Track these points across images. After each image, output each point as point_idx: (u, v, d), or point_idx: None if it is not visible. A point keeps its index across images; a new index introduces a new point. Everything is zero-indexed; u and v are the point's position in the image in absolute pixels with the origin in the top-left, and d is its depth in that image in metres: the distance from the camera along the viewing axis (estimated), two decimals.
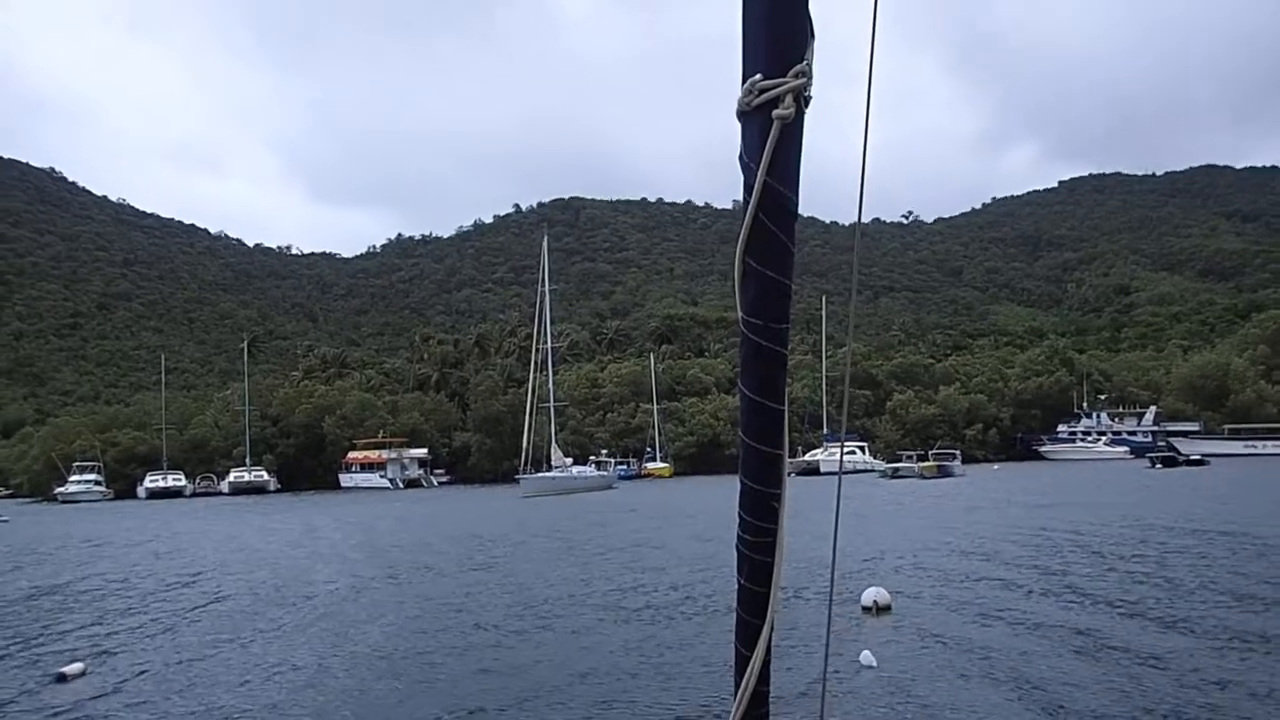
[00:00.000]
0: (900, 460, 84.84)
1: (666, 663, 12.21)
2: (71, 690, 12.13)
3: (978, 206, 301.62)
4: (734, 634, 2.14)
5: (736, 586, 2.11)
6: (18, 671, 13.44)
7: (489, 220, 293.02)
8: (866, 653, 11.63)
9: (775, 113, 1.91)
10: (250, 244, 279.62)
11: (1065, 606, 15.15)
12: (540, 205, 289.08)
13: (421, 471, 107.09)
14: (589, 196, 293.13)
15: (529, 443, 72.73)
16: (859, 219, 2.44)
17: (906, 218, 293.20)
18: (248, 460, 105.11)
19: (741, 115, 1.97)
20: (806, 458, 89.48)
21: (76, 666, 13.15)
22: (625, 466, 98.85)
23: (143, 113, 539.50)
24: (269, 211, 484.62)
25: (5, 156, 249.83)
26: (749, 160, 1.95)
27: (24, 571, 28.11)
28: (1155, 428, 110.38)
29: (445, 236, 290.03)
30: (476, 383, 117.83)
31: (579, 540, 30.84)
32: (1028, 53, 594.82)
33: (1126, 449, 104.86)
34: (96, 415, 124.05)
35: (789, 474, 2.09)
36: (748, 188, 1.94)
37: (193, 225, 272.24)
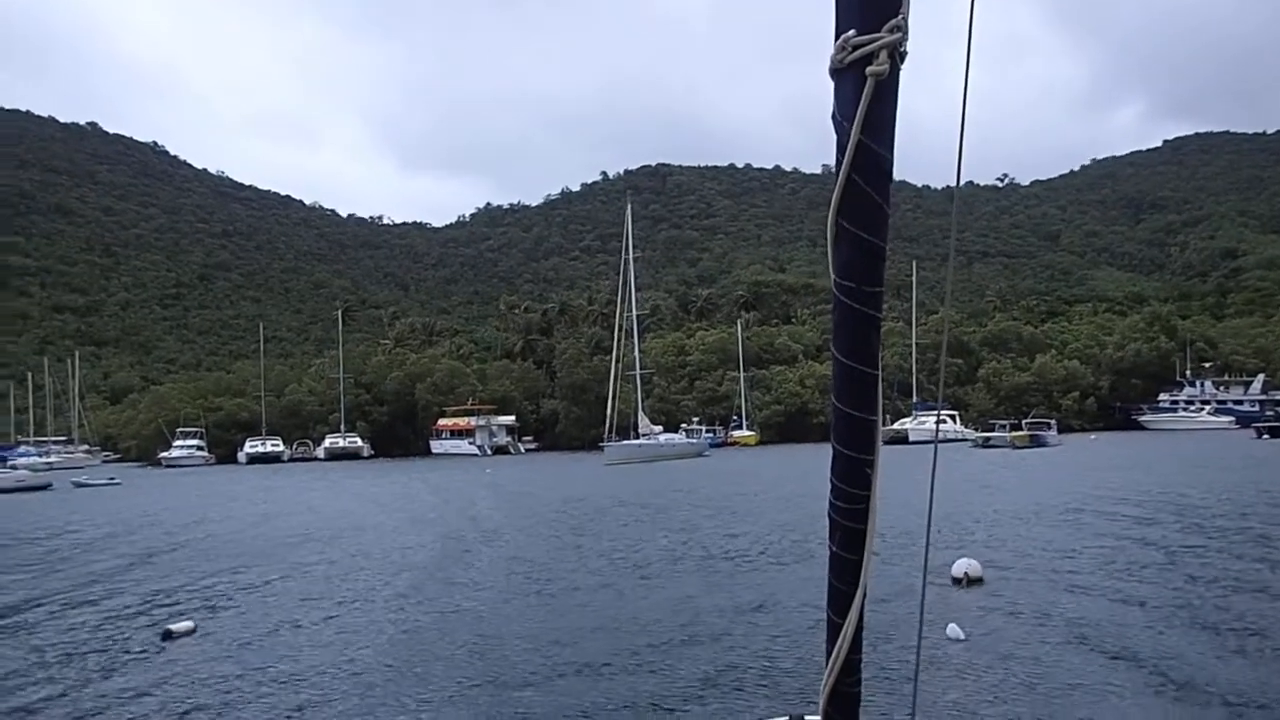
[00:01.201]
0: (993, 430, 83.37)
1: (758, 628, 12.25)
2: (180, 647, 12.63)
3: (1076, 168, 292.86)
4: (825, 601, 2.13)
5: (828, 554, 2.10)
6: (129, 627, 14.04)
7: (576, 188, 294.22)
8: (954, 626, 11.52)
9: (869, 69, 1.88)
10: (343, 214, 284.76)
11: (1164, 581, 14.79)
12: (627, 173, 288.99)
13: (509, 439, 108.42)
14: (675, 163, 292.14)
15: (613, 410, 73.06)
16: (957, 182, 2.40)
17: (1002, 180, 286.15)
18: (342, 426, 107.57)
19: (834, 73, 1.94)
20: (895, 426, 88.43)
21: (186, 625, 13.67)
22: (712, 435, 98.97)
23: (238, 86, 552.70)
24: (361, 182, 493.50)
25: (111, 131, 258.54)
26: (842, 119, 1.93)
27: (140, 532, 29.27)
28: (1263, 396, 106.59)
29: (533, 205, 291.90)
30: (562, 350, 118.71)
31: (662, 507, 31.03)
32: (1133, 3, 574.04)
33: (1232, 419, 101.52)
34: (199, 382, 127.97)
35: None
36: (840, 148, 1.92)
37: (288, 196, 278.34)
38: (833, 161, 1.95)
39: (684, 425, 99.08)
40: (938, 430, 3.07)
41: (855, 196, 1.91)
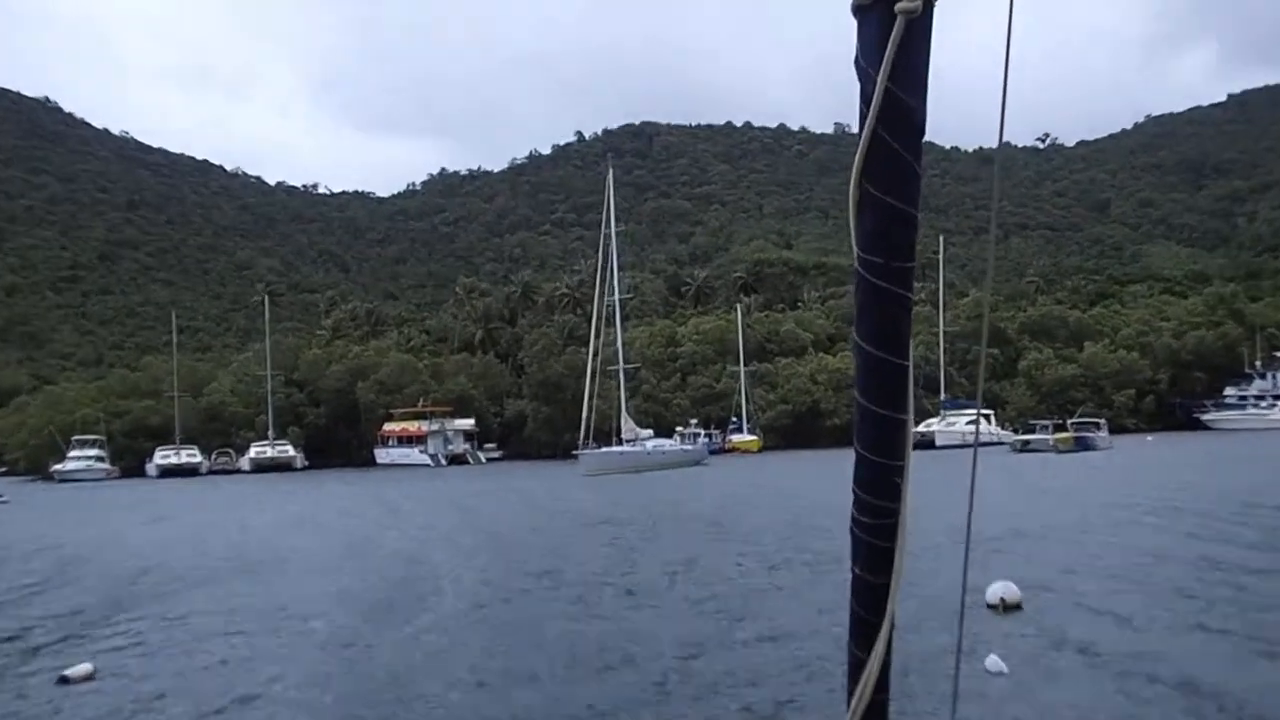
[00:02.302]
0: (1033, 431, 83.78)
1: (767, 663, 12.24)
2: (78, 694, 12.53)
3: (1128, 127, 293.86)
4: (847, 634, 2.13)
5: (850, 578, 2.10)
6: (17, 673, 13.91)
7: (547, 151, 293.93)
8: (994, 657, 11.53)
9: (899, 6, 1.87)
10: (272, 182, 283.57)
11: (1233, 608, 14.83)
12: (606, 133, 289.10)
13: (468, 446, 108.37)
14: (663, 121, 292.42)
15: (591, 411, 72.99)
16: (1000, 141, 2.34)
17: (1043, 141, 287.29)
18: (270, 433, 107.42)
19: (857, 10, 1.94)
20: (921, 428, 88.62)
21: (84, 668, 13.56)
22: (709, 440, 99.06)
23: (147, 29, 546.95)
24: (293, 144, 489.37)
25: None
26: (866, 65, 1.92)
27: (33, 560, 29.10)
28: None
29: (496, 171, 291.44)
30: (531, 341, 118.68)
31: (647, 527, 30.98)
32: None
33: None
34: (100, 381, 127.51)
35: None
36: (865, 98, 1.91)
37: (206, 161, 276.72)
38: (848, 118, 1.92)
39: (678, 429, 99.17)
40: (978, 431, 3.04)
41: (882, 156, 1.88)
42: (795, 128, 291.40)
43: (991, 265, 4.52)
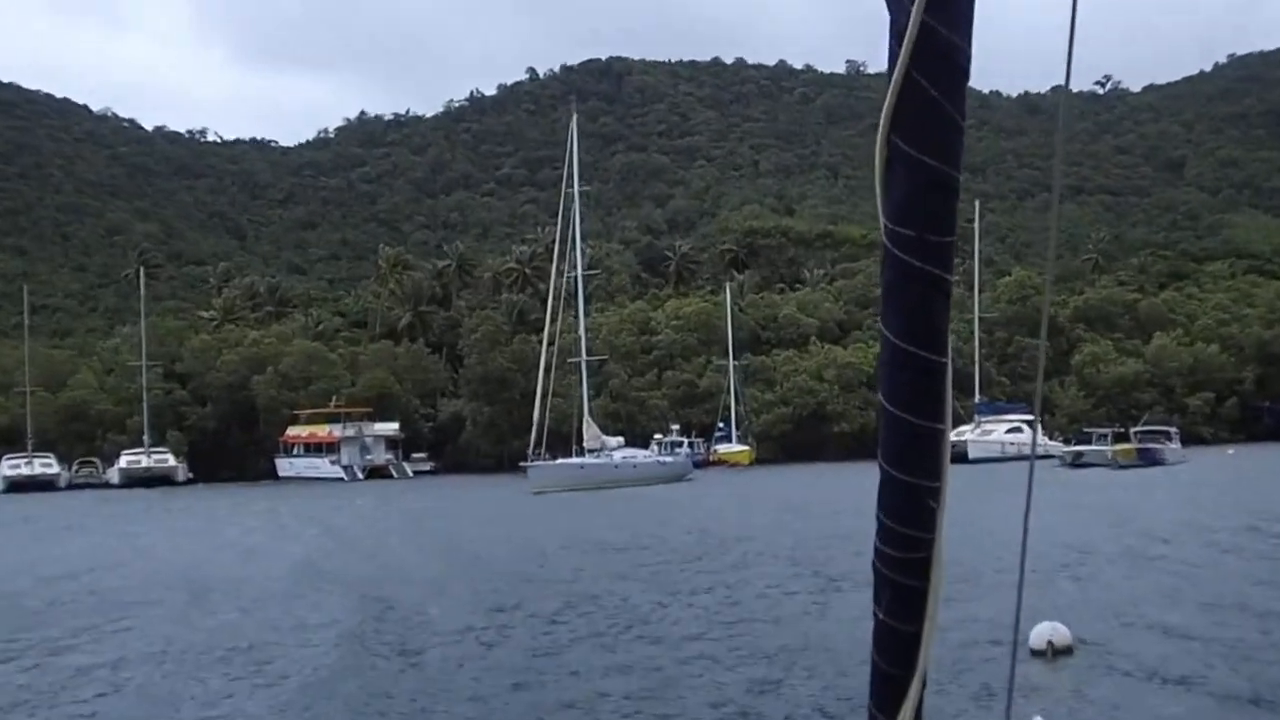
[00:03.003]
0: (1088, 441, 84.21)
1: None
2: None
3: (1207, 69, 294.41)
4: (868, 692, 2.11)
5: (872, 623, 2.07)
6: None
7: (491, 92, 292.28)
8: (1039, 718, 11.67)
9: None
10: (149, 127, 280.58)
11: None
12: (566, 70, 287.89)
13: (391, 455, 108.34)
14: (635, 56, 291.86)
15: (544, 413, 72.90)
16: (1066, 82, 2.33)
17: (1102, 85, 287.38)
18: (146, 438, 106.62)
19: None
20: (951, 437, 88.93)
21: None
22: (692, 450, 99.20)
23: None
24: (177, 82, 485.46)
25: None
26: None
27: None
28: None
29: (428, 116, 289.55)
30: (470, 327, 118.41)
31: (609, 564, 31.04)
32: None
33: None
34: None
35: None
36: (896, 32, 1.90)
37: (67, 101, 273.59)
38: (863, 54, 1.89)
39: (655, 436, 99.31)
40: (1035, 443, 3.19)
41: (917, 104, 1.88)
42: (798, 66, 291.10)
43: (1054, 240, 4.71)
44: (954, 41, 1.88)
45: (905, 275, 1.92)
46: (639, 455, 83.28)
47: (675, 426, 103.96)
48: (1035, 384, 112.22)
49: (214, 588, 27.83)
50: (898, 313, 1.95)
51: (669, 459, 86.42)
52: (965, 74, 1.90)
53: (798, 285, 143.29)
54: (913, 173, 1.90)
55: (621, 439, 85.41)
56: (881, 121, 1.91)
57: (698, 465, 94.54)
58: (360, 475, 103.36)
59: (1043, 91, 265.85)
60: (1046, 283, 7.21)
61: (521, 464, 74.68)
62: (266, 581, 28.72)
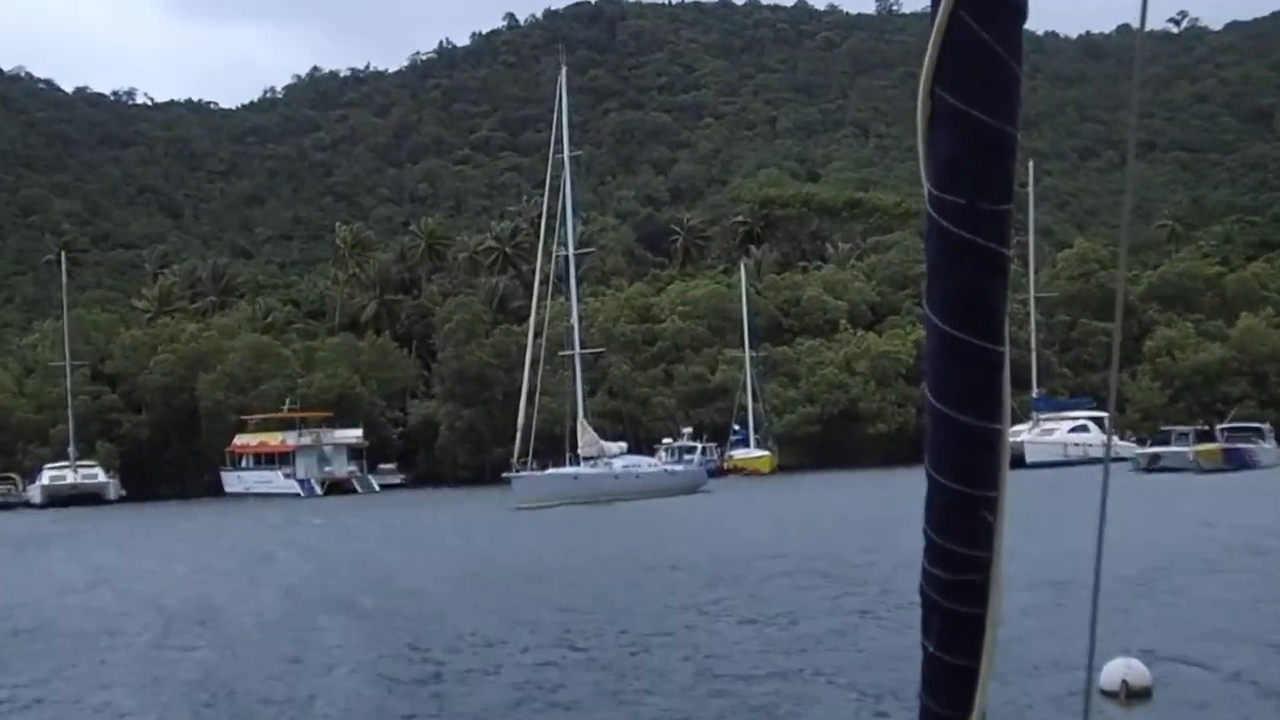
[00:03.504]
0: (1166, 441, 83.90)
1: None
2: None
3: None
4: None
5: (921, 657, 2.07)
6: None
7: (464, 42, 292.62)
8: None
9: None
10: (68, 89, 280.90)
11: None
12: (550, 15, 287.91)
13: (354, 467, 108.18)
14: None
15: (530, 415, 72.68)
16: (1142, 21, 2.26)
17: (1177, 23, 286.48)
18: (71, 449, 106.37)
19: None
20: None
21: None
22: (705, 456, 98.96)
23: None
24: (99, 33, 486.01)
25: None
26: None
27: None
28: None
29: (391, 72, 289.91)
30: (444, 315, 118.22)
31: (609, 596, 30.81)
32: None
33: None
34: None
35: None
36: None
37: None
38: None
39: (664, 441, 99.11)
40: (1109, 443, 2.92)
41: (966, 48, 1.85)
42: (821, 5, 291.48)
43: (1128, 204, 4.42)
44: None
45: (954, 250, 1.90)
46: (643, 464, 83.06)
47: (686, 429, 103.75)
48: (1106, 374, 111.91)
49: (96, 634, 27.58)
50: (946, 294, 1.92)
51: (678, 468, 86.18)
52: (1022, 12, 1.87)
53: (823, 262, 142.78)
54: (961, 130, 1.87)
55: (623, 445, 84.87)
56: (923, 70, 1.88)
57: (710, 474, 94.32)
58: (318, 489, 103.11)
59: (1106, 32, 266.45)
60: (1120, 254, 6.98)
61: (504, 475, 74.53)
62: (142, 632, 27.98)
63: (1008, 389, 1.96)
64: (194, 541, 57.15)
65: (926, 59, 1.87)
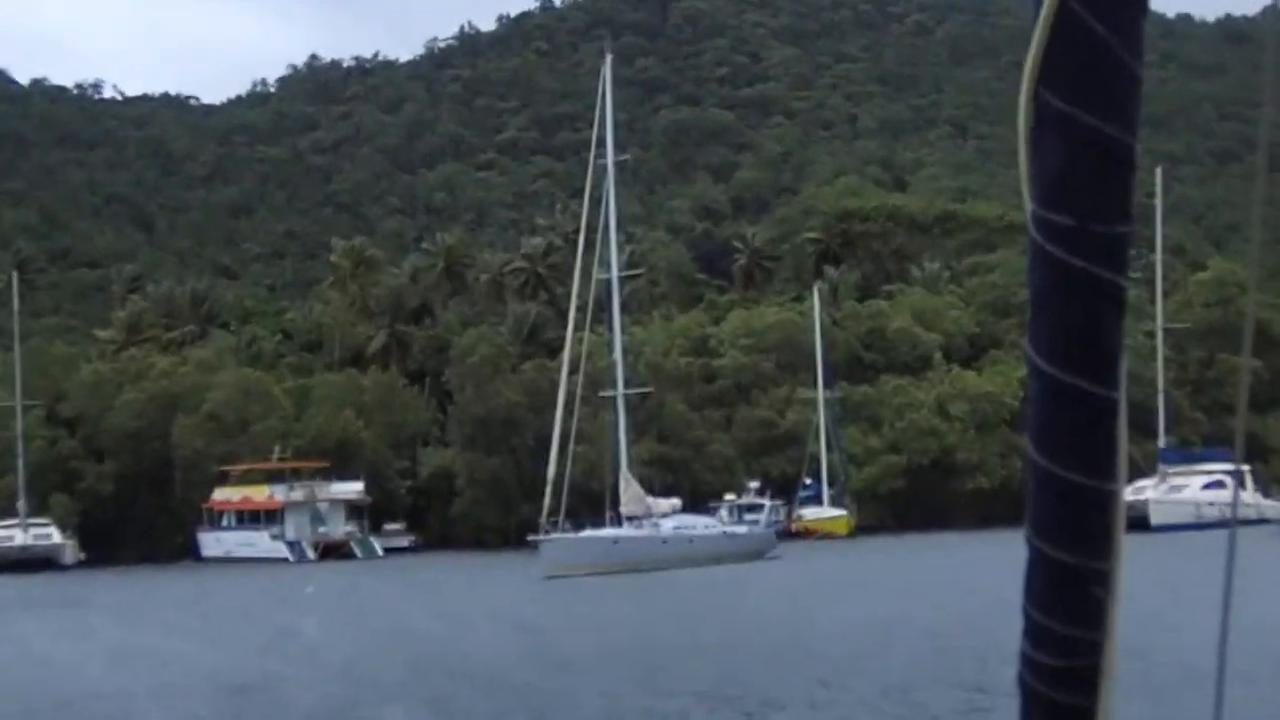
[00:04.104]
0: None
1: None
2: None
3: None
4: None
5: None
6: None
7: (489, 27, 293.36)
8: None
9: None
10: (23, 80, 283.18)
11: None
12: None
13: (352, 527, 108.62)
14: None
15: (564, 466, 72.72)
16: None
17: None
18: (21, 504, 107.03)
19: None
20: (1128, 496, 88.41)
21: None
22: (775, 515, 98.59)
23: None
24: (61, 15, 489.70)
25: None
26: None
27: None
28: None
29: (403, 62, 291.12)
30: (464, 349, 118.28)
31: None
32: None
33: None
34: None
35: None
36: None
37: None
38: None
39: (728, 497, 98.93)
40: (1236, 501, 3.09)
41: (1076, 44, 1.84)
42: None
43: (1259, 214, 4.58)
44: None
45: (1061, 279, 1.88)
46: (698, 524, 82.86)
47: (752, 483, 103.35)
48: (1226, 422, 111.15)
49: None
50: (1051, 330, 1.91)
51: (741, 529, 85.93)
52: (1143, 2, 1.88)
53: (909, 285, 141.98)
54: (1070, 139, 1.86)
55: (677, 502, 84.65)
56: (1026, 68, 1.87)
57: (777, 535, 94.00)
58: (310, 554, 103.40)
59: (1251, 14, 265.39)
60: (1251, 277, 7.13)
61: (530, 537, 74.50)
62: None
63: (1123, 442, 1.96)
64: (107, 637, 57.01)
65: (1030, 56, 1.86)
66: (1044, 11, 1.82)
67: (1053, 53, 1.84)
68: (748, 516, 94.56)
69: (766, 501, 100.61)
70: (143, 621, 52.74)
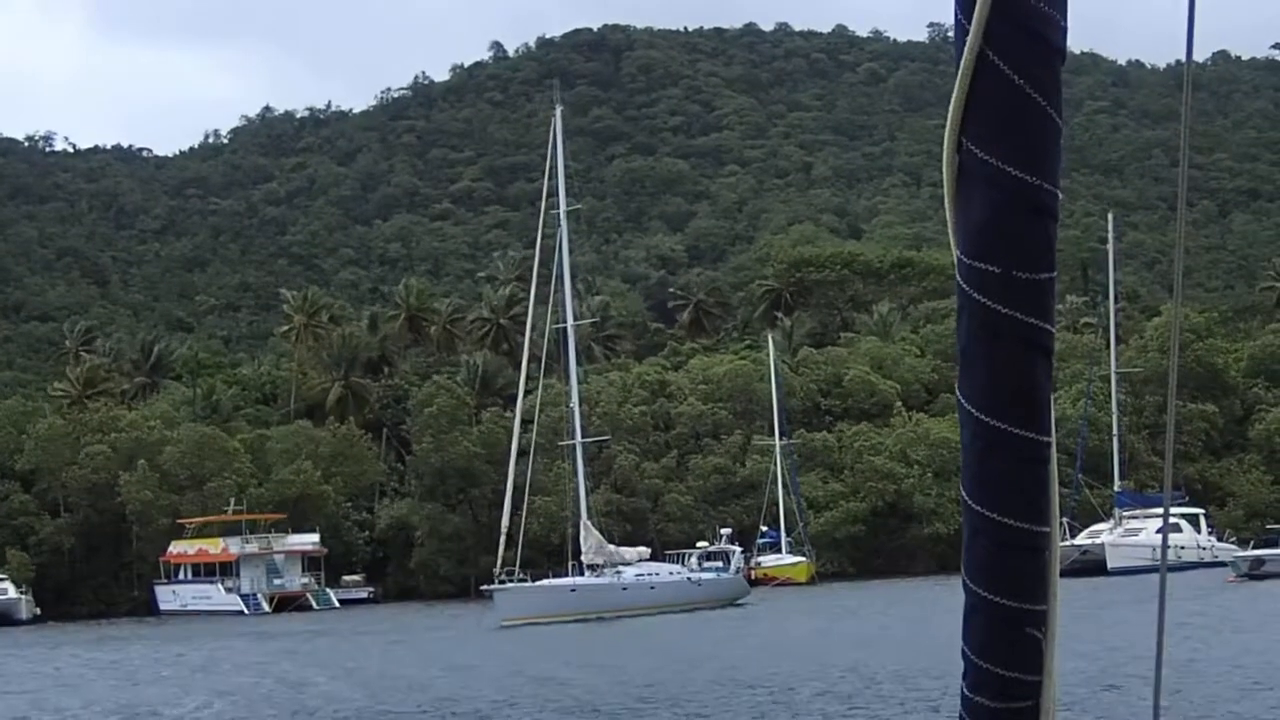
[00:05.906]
0: (1275, 543, 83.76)
1: None
2: None
3: None
4: None
5: None
6: None
7: (443, 77, 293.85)
8: None
9: None
10: None
11: None
12: (544, 44, 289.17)
13: (308, 579, 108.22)
14: (638, 25, 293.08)
15: (517, 517, 72.63)
16: (1189, 53, 2.45)
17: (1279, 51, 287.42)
18: None
19: None
20: (1084, 539, 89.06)
21: None
22: (741, 560, 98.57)
23: None
24: (10, 63, 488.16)
25: None
26: None
27: None
28: None
29: (356, 112, 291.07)
30: (421, 400, 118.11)
31: None
32: None
33: None
34: None
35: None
36: (964, 1, 1.95)
37: None
38: (950, 17, 1.98)
39: (700, 545, 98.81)
40: (1165, 544, 3.15)
41: (996, 96, 1.89)
42: (863, 33, 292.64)
43: (1180, 256, 4.63)
44: (1044, 10, 1.87)
45: (988, 327, 1.90)
46: (661, 571, 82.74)
47: (724, 530, 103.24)
48: (1204, 464, 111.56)
49: None
50: (981, 377, 1.93)
51: (706, 576, 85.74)
52: (1060, 51, 1.88)
53: (866, 333, 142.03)
54: (993, 189, 1.89)
55: (645, 550, 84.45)
56: (949, 121, 1.93)
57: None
58: (265, 606, 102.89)
59: (1201, 60, 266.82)
60: (1174, 307, 7.21)
61: (484, 587, 74.19)
62: None
63: (1054, 485, 1.98)
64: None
65: (951, 107, 1.92)
66: (963, 63, 1.86)
67: (973, 104, 1.88)
68: (707, 564, 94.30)
69: (737, 549, 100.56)
70: None
